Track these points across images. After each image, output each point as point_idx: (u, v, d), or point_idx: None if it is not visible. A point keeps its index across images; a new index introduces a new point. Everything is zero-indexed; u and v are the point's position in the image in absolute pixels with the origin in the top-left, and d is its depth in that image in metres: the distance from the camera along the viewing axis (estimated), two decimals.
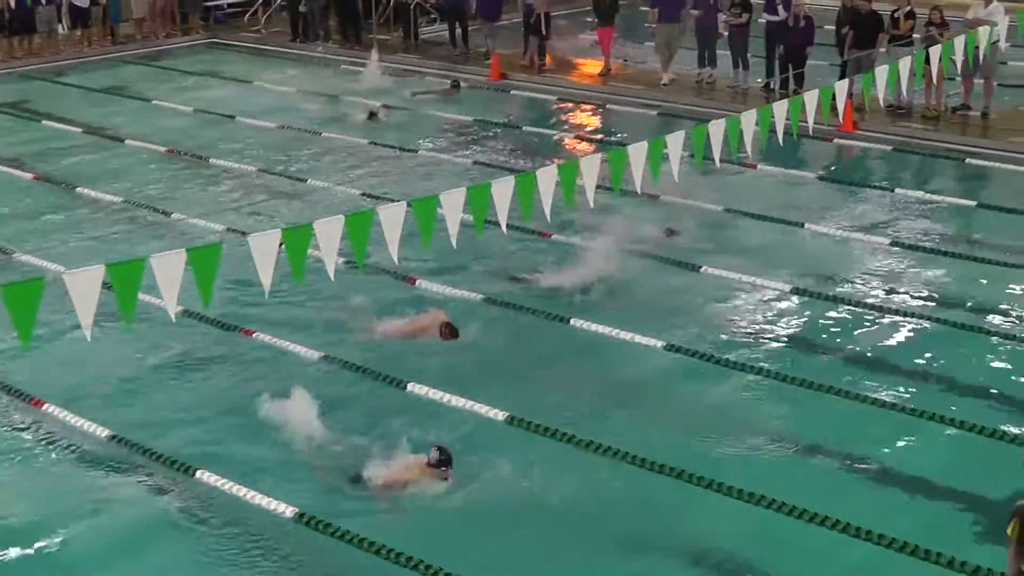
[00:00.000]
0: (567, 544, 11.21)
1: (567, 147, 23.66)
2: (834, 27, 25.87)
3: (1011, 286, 16.71)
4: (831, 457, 12.61)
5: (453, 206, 11.45)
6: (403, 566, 10.86)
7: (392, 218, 11.09)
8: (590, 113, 26.35)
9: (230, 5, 35.66)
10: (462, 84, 27.44)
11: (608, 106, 26.66)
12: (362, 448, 12.70)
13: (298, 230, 10.52)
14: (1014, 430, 12.86)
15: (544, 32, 29.36)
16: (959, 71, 23.16)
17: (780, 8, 25.70)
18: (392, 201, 13.29)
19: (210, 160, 23.23)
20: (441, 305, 15.92)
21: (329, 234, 10.63)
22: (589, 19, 32.62)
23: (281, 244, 10.49)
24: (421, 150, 23.60)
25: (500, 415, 13.35)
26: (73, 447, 13.05)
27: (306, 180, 21.90)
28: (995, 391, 13.96)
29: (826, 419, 13.44)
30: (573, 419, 13.30)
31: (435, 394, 13.88)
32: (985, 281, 16.97)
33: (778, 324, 15.68)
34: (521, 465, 12.33)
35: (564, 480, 12.13)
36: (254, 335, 15.46)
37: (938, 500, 11.89)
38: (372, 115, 25.50)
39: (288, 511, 11.67)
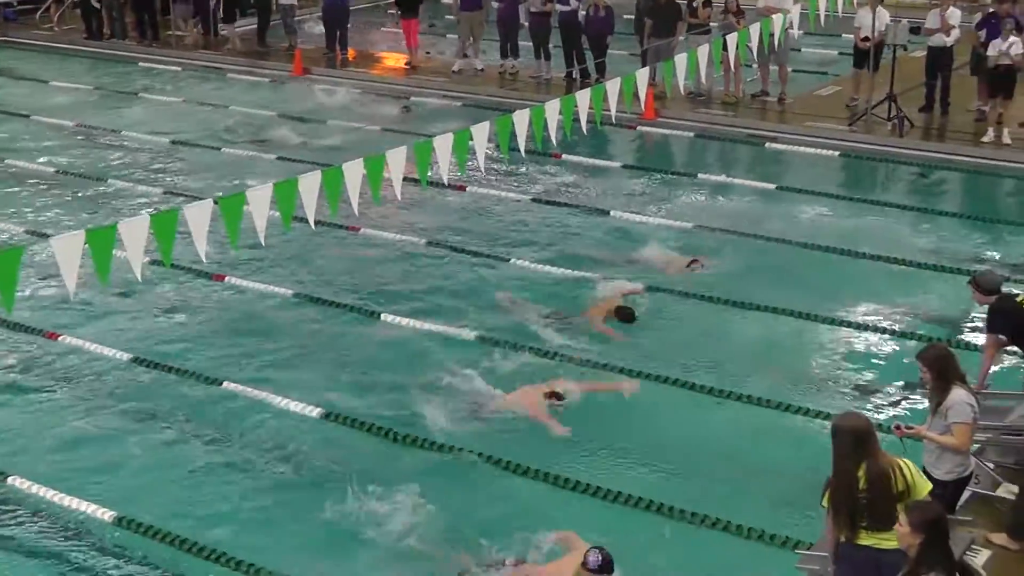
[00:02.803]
0: None
1: (372, 140, 23.51)
2: (633, 16, 26.31)
3: (812, 266, 17.15)
4: (618, 435, 12.89)
5: (260, 203, 11.31)
6: (221, 563, 10.83)
7: (198, 216, 10.92)
8: (395, 105, 26.25)
9: (20, 2, 34.64)
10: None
11: (412, 98, 26.61)
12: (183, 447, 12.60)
13: (102, 231, 10.28)
14: (814, 405, 13.23)
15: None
16: (755, 58, 23.68)
17: None
18: (197, 199, 13.11)
19: (5, 160, 22.59)
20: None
21: (134, 234, 10.41)
22: (392, 11, 32.52)
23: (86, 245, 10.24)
24: (225, 147, 23.29)
25: (314, 411, 13.36)
26: None
27: (107, 179, 21.44)
28: (800, 369, 14.36)
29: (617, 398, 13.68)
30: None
31: (247, 391, 13.82)
32: (789, 262, 17.37)
33: (587, 308, 15.82)
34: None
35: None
36: (60, 338, 15.12)
37: (753, 477, 12.14)
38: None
39: (107, 515, 11.52)
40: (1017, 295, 11.85)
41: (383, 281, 16.87)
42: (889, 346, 14.82)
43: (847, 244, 17.71)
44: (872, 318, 15.51)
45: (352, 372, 14.37)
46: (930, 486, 8.74)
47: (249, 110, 25.64)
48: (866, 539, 8.72)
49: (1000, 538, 10.30)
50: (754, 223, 18.74)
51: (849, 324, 15.32)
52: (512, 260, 17.45)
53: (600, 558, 9.56)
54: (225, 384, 13.98)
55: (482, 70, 27.98)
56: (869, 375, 14.17)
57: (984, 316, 12.19)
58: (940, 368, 9.73)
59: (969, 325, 15.06)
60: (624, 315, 15.29)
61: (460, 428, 13.02)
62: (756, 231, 18.36)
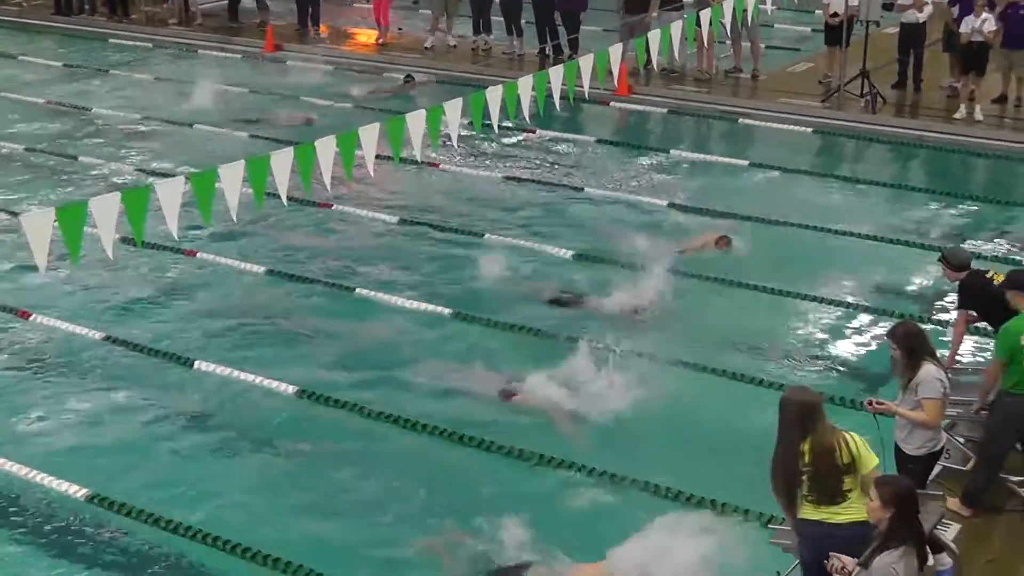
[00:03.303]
0: None
1: (345, 117, 23.42)
2: None
3: (784, 242, 17.15)
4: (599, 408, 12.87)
5: (232, 179, 11.25)
6: (196, 540, 10.82)
7: (170, 193, 10.86)
8: (367, 82, 26.17)
9: None
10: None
11: (384, 75, 26.52)
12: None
13: (72, 208, 10.22)
14: (785, 381, 13.18)
15: None
16: (728, 34, 23.69)
17: None
18: (168, 176, 13.06)
19: None
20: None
21: (105, 211, 10.34)
22: None
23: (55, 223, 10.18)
24: (196, 124, 23.17)
25: (289, 389, 13.37)
26: None
27: (77, 157, 21.33)
28: (772, 344, 14.39)
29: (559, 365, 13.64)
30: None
31: (220, 369, 13.77)
32: (761, 238, 17.36)
33: (560, 286, 15.83)
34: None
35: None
36: (31, 317, 15.05)
37: (727, 452, 12.12)
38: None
39: (80, 492, 11.49)
40: (987, 271, 11.88)
41: (356, 258, 16.83)
42: (859, 322, 14.85)
43: (819, 220, 17.71)
44: (844, 294, 15.52)
45: (326, 349, 14.35)
46: (877, 460, 8.76)
47: (221, 87, 25.48)
48: (815, 513, 8.74)
49: (954, 504, 10.43)
50: (727, 199, 18.73)
51: (821, 300, 15.34)
52: (486, 237, 17.44)
53: None
54: (198, 362, 13.94)
55: (455, 46, 27.90)
56: (840, 350, 14.22)
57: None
58: (910, 345, 9.76)
59: (940, 302, 15.15)
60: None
61: (437, 406, 13.02)
62: (729, 208, 18.35)
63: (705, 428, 12.55)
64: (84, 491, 11.50)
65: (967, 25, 21.42)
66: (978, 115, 21.69)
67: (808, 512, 8.78)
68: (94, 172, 20.55)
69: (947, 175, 20.42)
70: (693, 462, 11.98)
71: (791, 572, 9.22)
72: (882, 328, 13.60)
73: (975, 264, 12.13)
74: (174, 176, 11.48)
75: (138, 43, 29.70)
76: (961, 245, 15.19)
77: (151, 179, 17.35)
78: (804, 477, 8.72)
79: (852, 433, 8.78)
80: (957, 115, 21.88)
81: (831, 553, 8.50)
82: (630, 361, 13.64)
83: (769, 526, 10.41)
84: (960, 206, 18.63)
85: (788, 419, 8.78)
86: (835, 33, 23.24)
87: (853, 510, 8.61)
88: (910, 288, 15.72)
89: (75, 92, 25.65)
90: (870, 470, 8.61)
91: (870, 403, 9.87)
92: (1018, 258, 16.21)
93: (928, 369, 9.69)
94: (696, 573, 10.07)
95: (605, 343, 13.95)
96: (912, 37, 22.88)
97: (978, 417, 10.91)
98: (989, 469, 10.60)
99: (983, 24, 21.25)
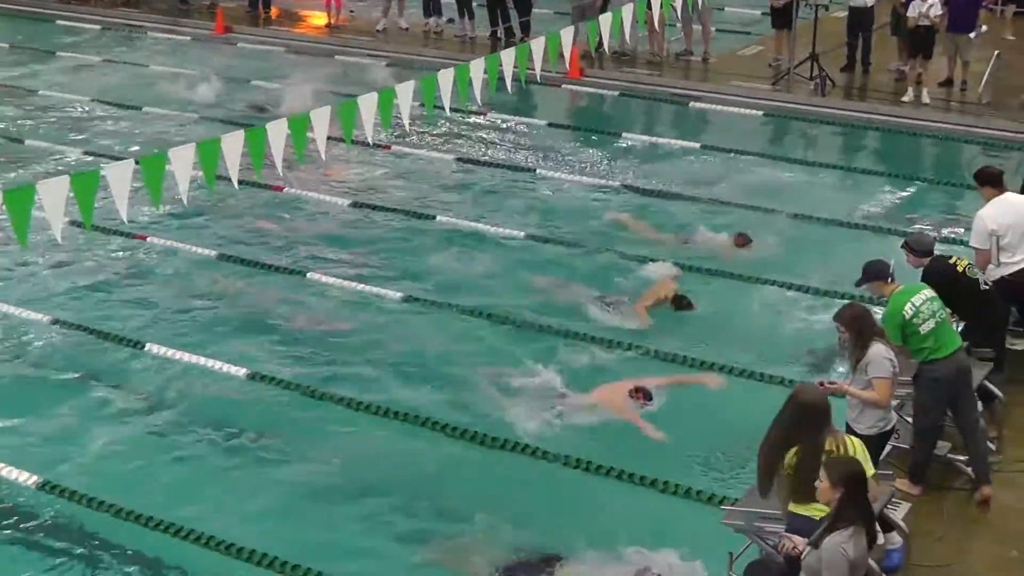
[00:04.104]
0: None
1: (297, 99, 23.32)
2: None
3: (735, 225, 17.20)
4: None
5: (182, 162, 11.19)
6: (150, 527, 10.78)
7: (119, 176, 10.78)
8: (318, 65, 26.06)
9: None
10: None
11: (336, 57, 26.43)
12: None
13: (20, 191, 10.14)
14: (722, 360, 13.36)
15: None
16: (679, 17, 23.74)
17: None
18: (118, 159, 12.96)
19: None
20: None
21: (53, 195, 10.27)
22: None
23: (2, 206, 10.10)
24: (146, 107, 23.02)
25: (240, 371, 13.32)
26: None
27: (24, 140, 21.15)
28: (719, 327, 14.45)
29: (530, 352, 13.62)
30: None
31: (171, 352, 13.72)
32: (712, 219, 17.41)
33: (510, 269, 15.85)
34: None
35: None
36: None
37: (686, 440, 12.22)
38: None
39: (31, 480, 11.41)
40: (950, 257, 11.93)
41: (307, 241, 16.80)
42: (807, 304, 14.89)
43: (769, 203, 17.76)
44: (792, 276, 15.51)
45: (277, 332, 14.31)
46: (873, 470, 8.80)
47: (170, 69, 25.33)
48: (804, 510, 8.68)
49: (903, 483, 10.51)
50: (679, 182, 18.80)
51: (769, 282, 15.38)
52: (438, 219, 17.43)
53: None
54: (148, 345, 13.88)
55: (406, 29, 27.81)
56: (787, 332, 14.29)
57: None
58: (858, 327, 9.82)
59: None
60: (682, 304, 14.81)
61: (386, 389, 13.03)
62: (681, 190, 18.42)
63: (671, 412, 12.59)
64: (34, 478, 11.42)
65: (914, 9, 21.56)
66: (925, 98, 21.84)
67: (796, 507, 8.78)
68: (42, 155, 20.36)
69: (895, 157, 20.54)
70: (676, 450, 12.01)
71: (742, 553, 9.29)
72: (829, 310, 13.66)
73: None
74: (124, 159, 11.38)
75: (87, 25, 29.46)
76: (923, 231, 15.28)
77: (100, 162, 17.20)
78: (792, 473, 8.76)
79: (853, 439, 8.81)
80: (905, 98, 22.03)
81: (781, 533, 8.54)
82: (585, 346, 13.73)
83: (721, 507, 10.47)
84: (907, 187, 18.76)
85: (790, 413, 8.80)
86: (781, 16, 23.39)
87: None
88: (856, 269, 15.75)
89: (22, 74, 25.41)
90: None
91: (820, 384, 9.93)
92: (965, 239, 16.33)
93: (877, 349, 9.77)
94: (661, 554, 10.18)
95: (564, 328, 14.01)
96: (860, 21, 23.01)
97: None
98: (925, 443, 10.69)
99: (929, 8, 21.39)
